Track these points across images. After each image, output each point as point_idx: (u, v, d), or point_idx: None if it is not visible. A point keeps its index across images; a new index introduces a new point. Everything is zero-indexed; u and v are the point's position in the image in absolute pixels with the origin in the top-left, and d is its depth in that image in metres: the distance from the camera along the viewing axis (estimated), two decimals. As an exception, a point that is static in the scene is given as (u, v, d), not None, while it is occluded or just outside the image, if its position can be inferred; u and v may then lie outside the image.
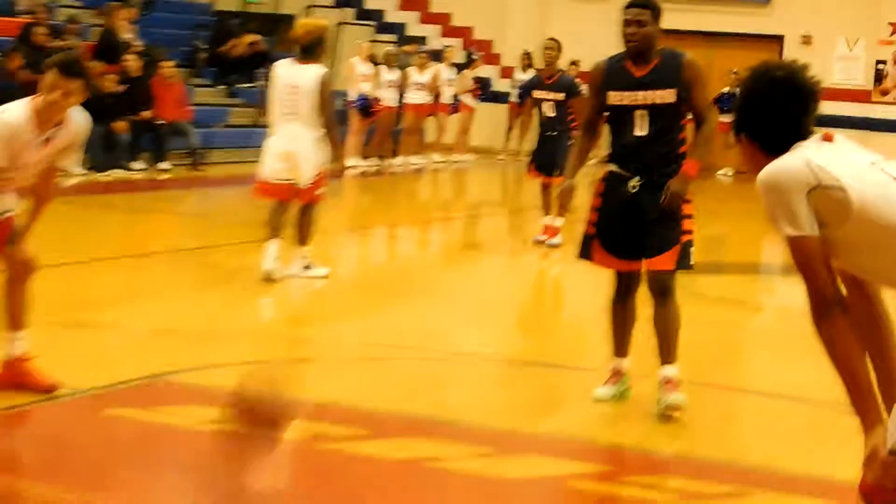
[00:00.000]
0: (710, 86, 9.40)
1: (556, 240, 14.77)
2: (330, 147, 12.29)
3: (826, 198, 4.09)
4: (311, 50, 12.63)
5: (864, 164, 4.24)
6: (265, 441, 6.80)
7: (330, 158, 12.22)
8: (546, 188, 15.11)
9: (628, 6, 7.81)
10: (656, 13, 7.75)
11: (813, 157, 4.14)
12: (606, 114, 7.94)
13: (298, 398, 7.93)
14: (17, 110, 7.36)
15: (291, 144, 12.33)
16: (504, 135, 26.94)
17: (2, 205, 7.58)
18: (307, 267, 12.21)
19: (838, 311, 4.14)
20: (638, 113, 7.71)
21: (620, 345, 8.05)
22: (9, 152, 7.23)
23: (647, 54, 7.70)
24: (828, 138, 4.30)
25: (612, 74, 7.83)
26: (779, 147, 4.26)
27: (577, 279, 12.81)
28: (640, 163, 7.64)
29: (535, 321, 12.36)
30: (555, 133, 15.13)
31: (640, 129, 7.69)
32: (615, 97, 7.79)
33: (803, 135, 4.29)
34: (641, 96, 7.72)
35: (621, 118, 7.78)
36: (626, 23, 7.71)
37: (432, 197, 21.68)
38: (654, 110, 7.69)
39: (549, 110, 15.29)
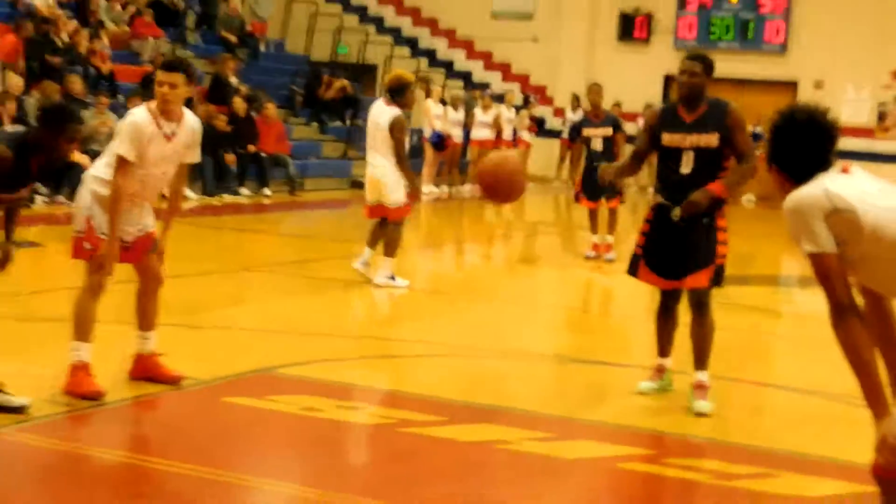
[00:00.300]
0: None
1: (611, 255, 14.71)
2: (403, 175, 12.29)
3: (841, 220, 4.15)
4: (395, 94, 12.63)
5: (876, 191, 4.28)
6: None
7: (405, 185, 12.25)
8: (593, 213, 15.07)
9: (686, 58, 7.83)
10: (708, 67, 7.75)
11: (830, 185, 4.21)
12: (656, 151, 7.92)
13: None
14: (138, 110, 7.53)
15: (376, 171, 12.45)
16: (556, 165, 26.89)
17: (142, 222, 7.66)
18: (391, 277, 12.24)
19: (853, 317, 4.17)
20: (685, 153, 7.69)
21: (664, 346, 8.06)
22: (137, 147, 7.31)
23: (696, 101, 7.69)
24: (845, 170, 4.37)
25: (666, 118, 7.85)
26: (803, 177, 4.32)
27: (619, 289, 12.78)
28: (684, 196, 7.57)
29: (583, 324, 12.31)
30: (600, 164, 15.11)
31: (686, 167, 7.67)
32: (667, 139, 7.78)
33: (824, 167, 4.33)
34: (689, 139, 7.70)
35: (670, 156, 7.76)
36: (682, 72, 7.71)
37: (494, 218, 21.59)
38: (700, 152, 7.65)
39: (597, 145, 15.26)
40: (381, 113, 12.51)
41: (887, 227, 4.16)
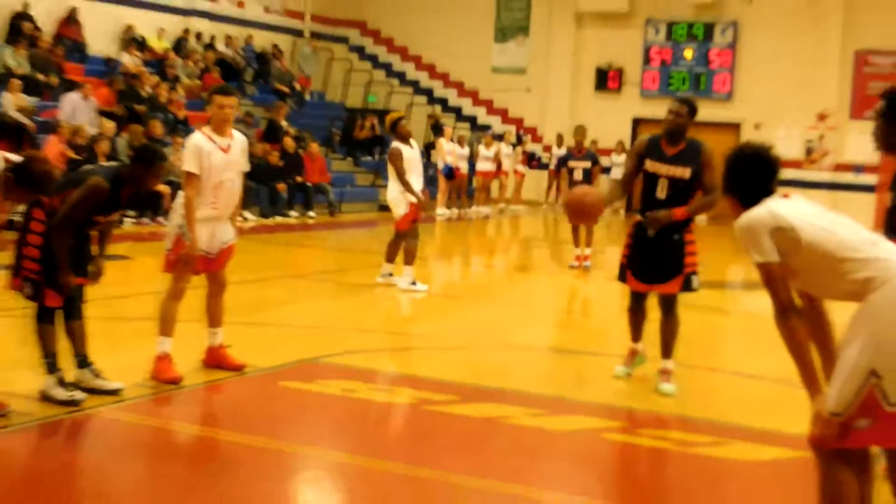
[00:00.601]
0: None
1: (588, 263, 14.64)
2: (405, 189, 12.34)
3: (784, 236, 4.18)
4: (393, 130, 12.98)
5: (812, 213, 4.29)
6: None
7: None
8: (576, 229, 15.05)
9: (675, 100, 7.84)
10: (692, 111, 7.73)
11: (774, 208, 4.25)
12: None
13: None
14: (195, 134, 7.76)
15: (388, 194, 12.58)
16: (545, 192, 26.85)
17: (224, 238, 7.71)
18: (413, 283, 12.23)
19: (794, 315, 4.21)
20: (661, 180, 7.66)
21: (636, 333, 8.06)
22: (198, 161, 7.44)
23: (678, 138, 7.65)
24: (786, 196, 4.37)
25: (651, 148, 7.77)
26: (752, 202, 4.36)
27: (597, 292, 12.74)
28: (661, 209, 7.59)
29: (569, 321, 12.30)
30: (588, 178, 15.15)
31: (661, 193, 7.64)
32: (650, 165, 7.73)
33: (769, 194, 4.34)
34: (667, 169, 7.66)
35: (650, 181, 7.70)
36: (670, 111, 7.68)
37: (495, 234, 21.59)
38: (674, 181, 7.63)
39: (578, 175, 15.27)
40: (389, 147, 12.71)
41: (821, 242, 4.16)
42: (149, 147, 7.20)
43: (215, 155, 7.56)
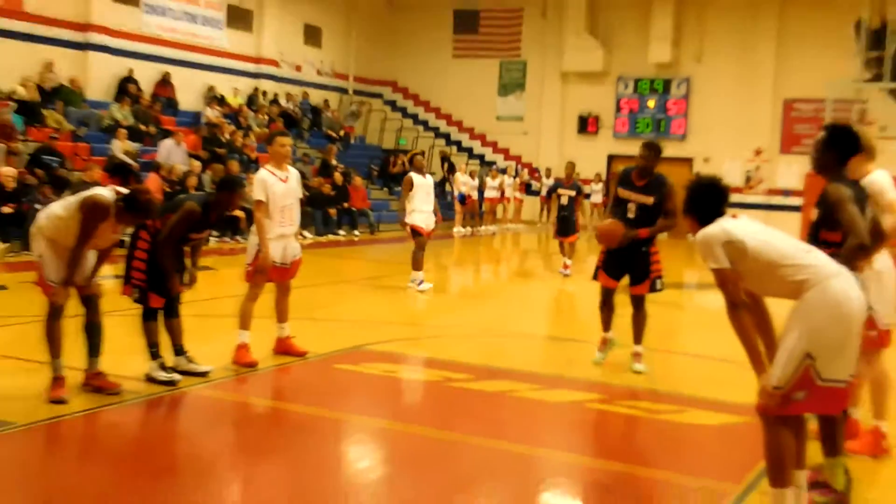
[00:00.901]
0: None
1: (569, 271, 14.59)
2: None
3: (733, 248, 4.22)
4: (411, 164, 13.24)
5: (756, 229, 4.33)
6: None
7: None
8: (562, 244, 15.04)
9: (645, 145, 7.82)
10: (657, 154, 7.73)
11: (725, 225, 4.29)
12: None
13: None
14: (261, 170, 7.79)
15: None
16: (539, 214, 26.81)
17: (295, 252, 7.88)
18: (421, 282, 12.24)
19: (741, 309, 4.25)
20: (630, 204, 7.67)
21: (606, 324, 7.99)
22: (264, 191, 7.52)
23: (646, 173, 7.66)
24: (734, 216, 4.41)
25: (624, 177, 7.80)
26: (707, 221, 4.37)
27: (580, 293, 12.72)
28: (636, 227, 7.60)
29: (559, 315, 12.28)
30: (567, 213, 15.04)
31: (631, 214, 7.65)
32: (622, 192, 7.77)
33: (721, 214, 4.36)
34: (634, 196, 7.68)
35: (622, 204, 7.72)
36: (640, 155, 7.71)
37: (500, 247, 21.54)
38: (641, 206, 7.65)
39: (564, 201, 15.23)
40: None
41: (763, 252, 4.20)
42: (230, 178, 7.30)
43: (277, 185, 7.66)
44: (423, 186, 12.58)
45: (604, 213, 8.17)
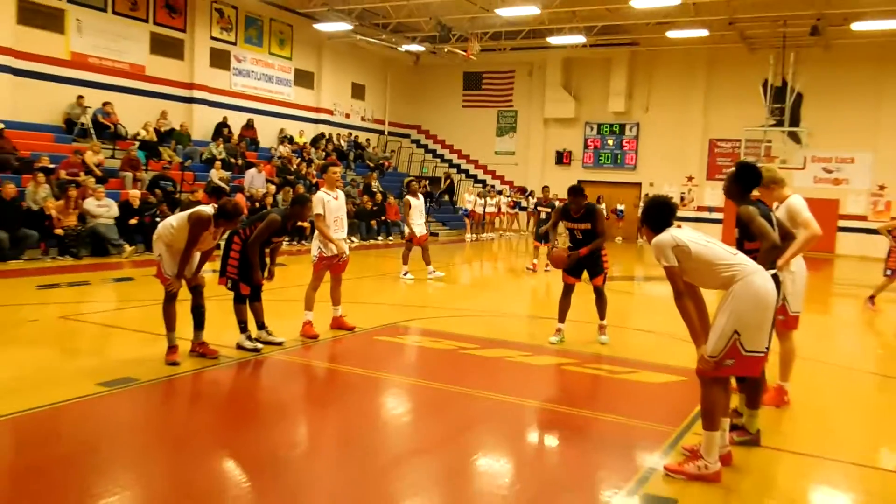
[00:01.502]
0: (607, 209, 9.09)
1: (549, 268, 14.47)
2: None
3: (680, 250, 4.27)
4: (407, 189, 13.08)
5: (696, 236, 4.37)
6: None
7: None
8: (537, 248, 14.94)
9: (570, 190, 7.75)
10: (580, 193, 7.63)
11: (674, 233, 4.33)
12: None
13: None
14: (319, 192, 7.88)
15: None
16: (526, 224, 26.73)
17: (344, 252, 7.85)
18: (406, 273, 12.38)
19: (685, 296, 4.28)
20: (573, 230, 7.69)
21: (561, 316, 7.87)
22: (321, 207, 7.69)
23: (579, 207, 7.58)
24: (679, 226, 4.43)
25: (564, 212, 7.74)
26: (659, 230, 4.38)
27: (556, 284, 12.72)
28: (577, 248, 7.59)
29: (540, 299, 12.23)
30: (546, 226, 15.00)
31: (578, 236, 7.67)
32: (565, 224, 7.75)
33: (670, 224, 4.39)
34: (574, 225, 7.68)
35: (570, 231, 7.74)
36: (572, 200, 7.64)
37: (497, 250, 21.45)
38: (582, 230, 7.65)
39: (543, 216, 15.21)
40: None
41: (702, 254, 4.23)
42: (301, 196, 7.32)
43: (331, 202, 7.79)
44: (417, 206, 12.73)
45: (551, 237, 8.11)
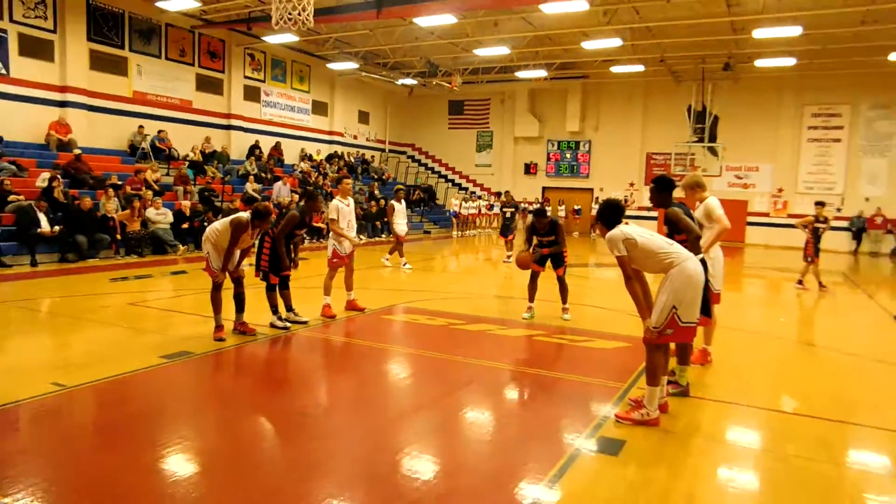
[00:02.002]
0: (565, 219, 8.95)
1: (509, 260, 14.35)
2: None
3: (629, 242, 4.27)
4: (395, 194, 12.94)
5: (641, 230, 4.38)
6: None
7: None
8: (507, 242, 14.81)
9: (537, 215, 7.75)
10: (543, 214, 7.68)
11: (623, 228, 4.32)
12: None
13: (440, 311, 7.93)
14: (336, 199, 7.65)
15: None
16: (499, 222, 26.59)
17: (351, 248, 7.73)
18: (405, 264, 12.35)
19: (633, 280, 4.27)
20: (541, 238, 7.68)
21: (531, 296, 7.89)
22: (336, 212, 7.55)
23: (543, 221, 7.60)
24: (626, 223, 4.43)
25: (533, 227, 7.73)
26: (612, 226, 4.36)
27: (521, 272, 12.71)
28: (543, 249, 7.61)
29: (511, 284, 12.21)
30: (507, 222, 14.76)
31: (545, 242, 7.66)
32: (535, 238, 7.74)
33: (620, 221, 4.37)
34: (541, 237, 7.68)
35: (538, 241, 7.71)
36: (537, 220, 7.66)
37: (477, 244, 21.40)
38: (548, 240, 7.65)
39: (508, 215, 15.12)
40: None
41: (646, 245, 4.24)
42: (310, 193, 7.23)
43: (344, 209, 7.65)
44: (400, 209, 12.65)
45: (523, 245, 8.08)
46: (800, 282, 11.55)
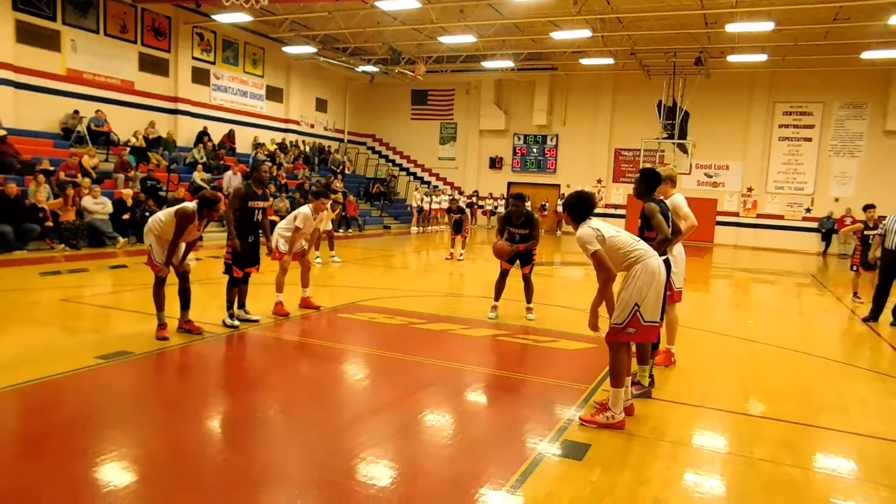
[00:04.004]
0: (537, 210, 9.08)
1: (457, 258, 14.29)
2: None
3: (600, 237, 4.36)
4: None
5: (608, 226, 4.45)
6: None
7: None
8: (453, 240, 14.70)
9: (512, 197, 7.76)
10: (523, 201, 7.68)
11: (593, 223, 4.37)
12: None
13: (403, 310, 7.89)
14: (305, 208, 7.45)
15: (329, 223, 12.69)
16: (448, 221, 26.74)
17: (299, 246, 7.63)
18: (334, 257, 12.46)
19: (609, 275, 4.30)
20: (516, 233, 7.67)
21: (497, 295, 7.94)
22: (308, 224, 7.38)
23: (519, 214, 7.64)
24: (590, 219, 4.47)
25: (508, 220, 7.74)
26: (580, 220, 4.42)
27: (491, 268, 12.78)
28: (518, 244, 7.60)
29: (473, 283, 12.28)
30: (458, 220, 14.42)
31: (517, 237, 7.66)
32: (511, 230, 7.71)
33: (589, 216, 4.40)
34: (517, 230, 7.69)
35: (511, 233, 7.69)
36: (513, 205, 7.70)
37: (439, 240, 21.46)
38: (522, 233, 7.66)
39: (458, 218, 14.55)
40: None
41: (614, 241, 4.32)
42: (254, 161, 7.13)
43: (312, 220, 7.48)
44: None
45: (496, 235, 8.10)
46: (855, 294, 11.04)
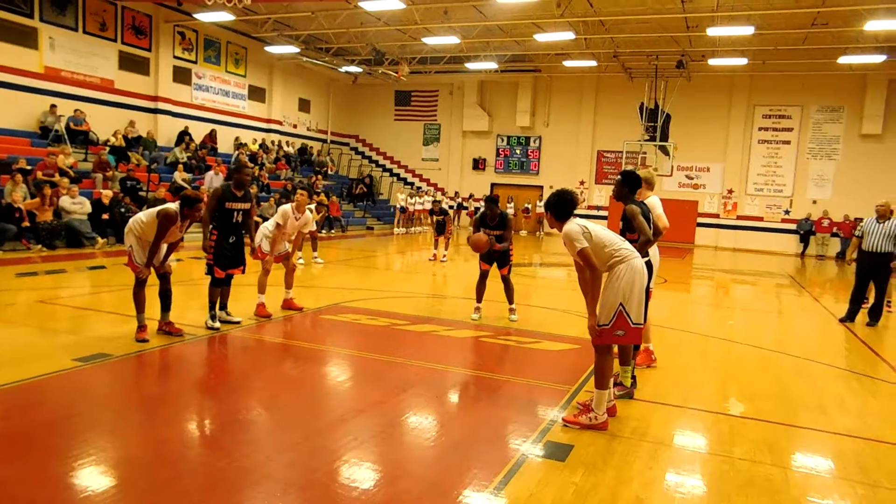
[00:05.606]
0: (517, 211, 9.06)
1: (441, 259, 14.34)
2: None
3: (587, 235, 4.34)
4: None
5: (591, 224, 4.46)
6: None
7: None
8: (436, 242, 14.75)
9: (486, 200, 7.77)
10: (495, 202, 7.70)
11: (578, 221, 4.38)
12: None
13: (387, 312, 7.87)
14: (286, 205, 7.47)
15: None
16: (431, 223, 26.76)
17: (282, 248, 7.59)
18: (317, 258, 12.50)
19: (597, 271, 4.30)
20: (490, 234, 7.66)
21: (479, 297, 7.97)
22: (285, 220, 7.34)
23: (494, 215, 7.66)
24: (574, 216, 4.46)
25: (482, 220, 7.77)
26: (563, 219, 4.43)
27: (472, 270, 12.82)
28: (496, 242, 7.62)
29: (458, 284, 12.28)
30: (441, 221, 14.51)
31: (493, 236, 7.64)
32: (484, 230, 7.70)
33: (572, 215, 4.41)
34: (491, 231, 7.70)
35: (486, 234, 7.65)
36: (487, 207, 7.71)
37: (422, 241, 21.44)
38: (497, 233, 7.68)
39: (441, 220, 14.74)
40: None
41: (600, 239, 4.33)
42: (237, 162, 7.09)
43: (291, 221, 7.54)
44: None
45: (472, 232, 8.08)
46: (888, 304, 10.31)
